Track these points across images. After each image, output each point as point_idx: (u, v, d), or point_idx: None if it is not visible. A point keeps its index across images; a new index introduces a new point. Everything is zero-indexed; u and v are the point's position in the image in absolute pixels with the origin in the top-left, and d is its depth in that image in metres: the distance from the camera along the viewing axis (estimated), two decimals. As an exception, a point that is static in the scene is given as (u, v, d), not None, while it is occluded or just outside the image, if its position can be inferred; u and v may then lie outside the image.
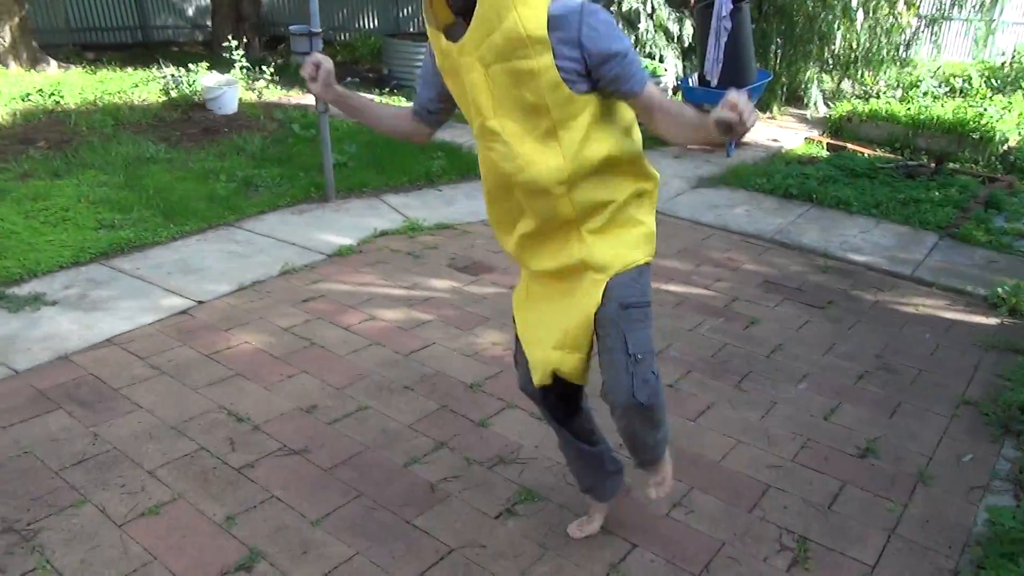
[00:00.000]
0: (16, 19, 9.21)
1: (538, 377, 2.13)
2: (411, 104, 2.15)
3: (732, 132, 1.55)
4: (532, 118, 1.81)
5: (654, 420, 2.12)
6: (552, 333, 2.09)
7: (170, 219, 4.95)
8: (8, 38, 9.16)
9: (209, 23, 12.49)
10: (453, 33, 1.82)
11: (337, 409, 3.10)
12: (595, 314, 1.98)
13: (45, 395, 3.09)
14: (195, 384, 3.23)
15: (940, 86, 9.50)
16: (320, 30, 5.13)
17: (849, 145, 7.82)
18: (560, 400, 2.25)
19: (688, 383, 3.42)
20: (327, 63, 1.96)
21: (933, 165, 6.91)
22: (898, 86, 9.59)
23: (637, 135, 1.99)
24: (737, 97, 1.52)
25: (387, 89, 9.65)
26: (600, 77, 1.78)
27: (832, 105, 9.26)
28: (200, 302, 3.97)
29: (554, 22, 1.72)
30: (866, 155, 7.38)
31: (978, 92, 9.12)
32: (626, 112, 1.94)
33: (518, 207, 2.00)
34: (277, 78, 9.33)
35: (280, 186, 5.72)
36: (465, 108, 1.94)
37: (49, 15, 11.18)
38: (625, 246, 1.99)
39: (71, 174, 5.63)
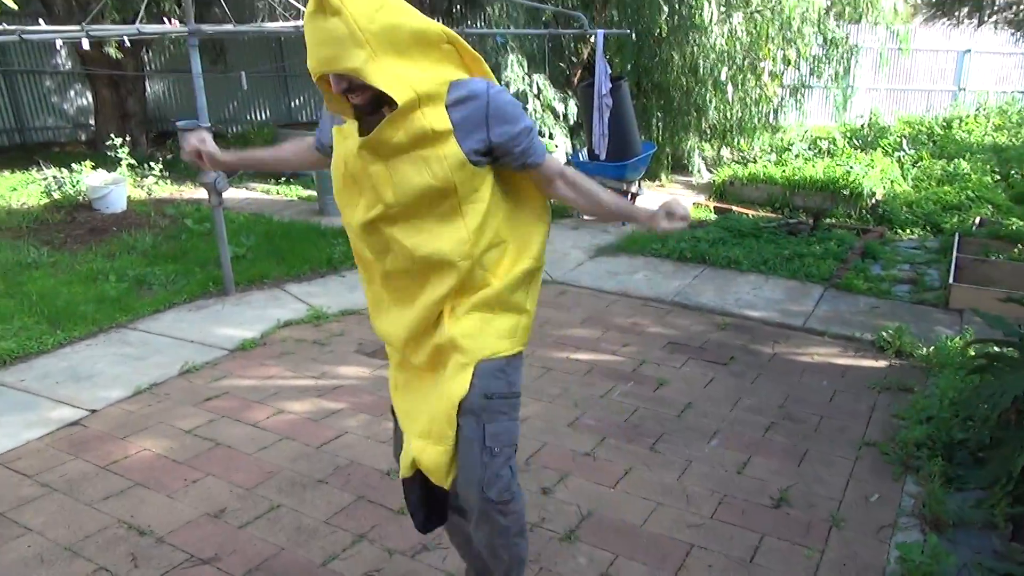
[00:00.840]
0: None
1: (403, 468, 2.03)
2: (311, 138, 2.17)
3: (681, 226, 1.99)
4: (436, 199, 1.83)
5: (508, 533, 2.03)
6: (417, 421, 2.02)
7: (56, 325, 4.70)
8: None
9: (92, 122, 12.17)
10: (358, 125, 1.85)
11: (247, 511, 2.95)
12: (459, 403, 1.91)
13: (-83, 528, 2.82)
14: (90, 499, 3.02)
15: (809, 148, 10.26)
16: (209, 124, 5.09)
17: (734, 208, 8.28)
18: (420, 501, 2.09)
19: (604, 449, 3.44)
20: (204, 141, 2.07)
21: (811, 221, 7.39)
22: (772, 150, 10.30)
23: (543, 211, 2.07)
24: (672, 205, 1.92)
25: (283, 179, 9.60)
26: (504, 155, 1.87)
27: (714, 171, 9.83)
28: (93, 411, 3.75)
29: (457, 106, 1.79)
30: (750, 216, 7.82)
31: (843, 151, 9.90)
32: (522, 181, 2.01)
33: (403, 285, 1.97)
34: (167, 173, 9.15)
35: (175, 283, 5.54)
36: (347, 191, 1.91)
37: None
38: (497, 334, 1.95)
39: (-57, 285, 5.29)
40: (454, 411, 1.91)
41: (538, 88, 9.42)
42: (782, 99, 10.21)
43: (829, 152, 10.14)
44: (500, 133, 1.83)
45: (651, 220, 2.03)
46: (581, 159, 8.02)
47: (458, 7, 11.04)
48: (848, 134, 10.87)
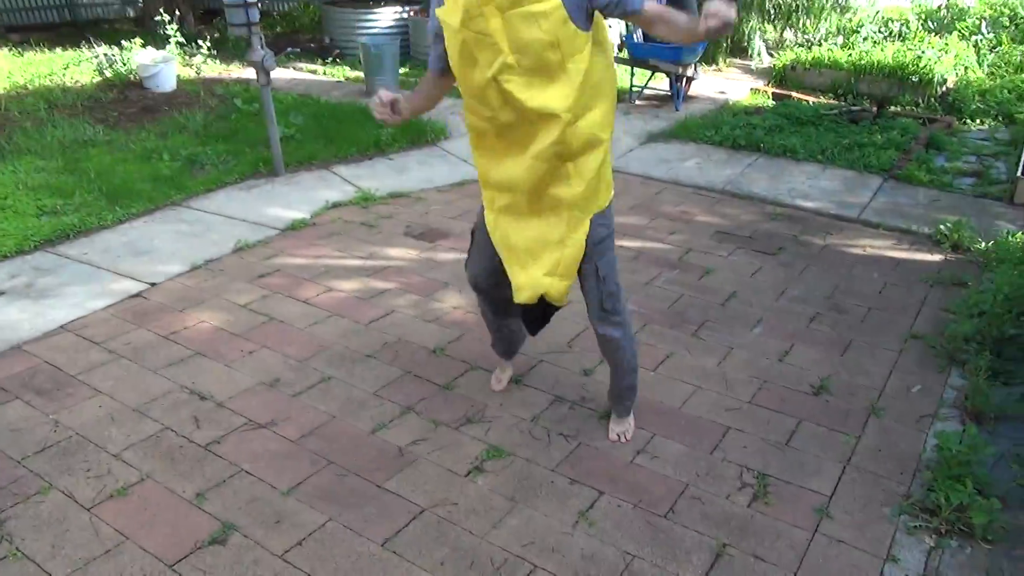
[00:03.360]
0: (-67, 2, 8.78)
1: (524, 296, 2.46)
2: (429, 72, 2.40)
3: (722, 24, 1.92)
4: (545, 54, 2.05)
5: (625, 352, 2.61)
6: (540, 261, 2.42)
7: (114, 202, 4.83)
8: (-74, 22, 8.73)
9: (140, -2, 12.06)
10: None
11: (300, 382, 3.09)
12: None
13: (0, 386, 3.03)
14: (154, 366, 3.19)
15: (880, 31, 9.65)
16: (256, 0, 4.99)
17: (793, 94, 7.92)
18: (534, 316, 2.65)
19: (647, 334, 3.48)
20: (394, 99, 2.30)
21: (875, 109, 7.05)
22: (839, 33, 9.71)
23: (614, 87, 2.29)
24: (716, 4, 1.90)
25: (329, 59, 9.46)
26: (605, 5, 2.06)
27: (775, 55, 9.36)
28: (153, 284, 3.90)
29: None
30: (810, 103, 7.49)
31: (916, 35, 9.29)
32: (609, 53, 2.25)
33: (518, 139, 2.24)
34: (215, 52, 9.08)
35: (226, 163, 5.61)
36: (464, 57, 2.13)
37: (-31, -4, 10.69)
38: (600, 191, 2.35)
39: (6, 161, 5.44)
40: (578, 259, 2.40)
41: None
42: (855, -24, 9.55)
43: (900, 35, 9.52)
44: None
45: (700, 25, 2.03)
46: (635, 40, 7.69)
47: None
48: (923, 16, 10.15)
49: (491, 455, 2.67)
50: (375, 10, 9.68)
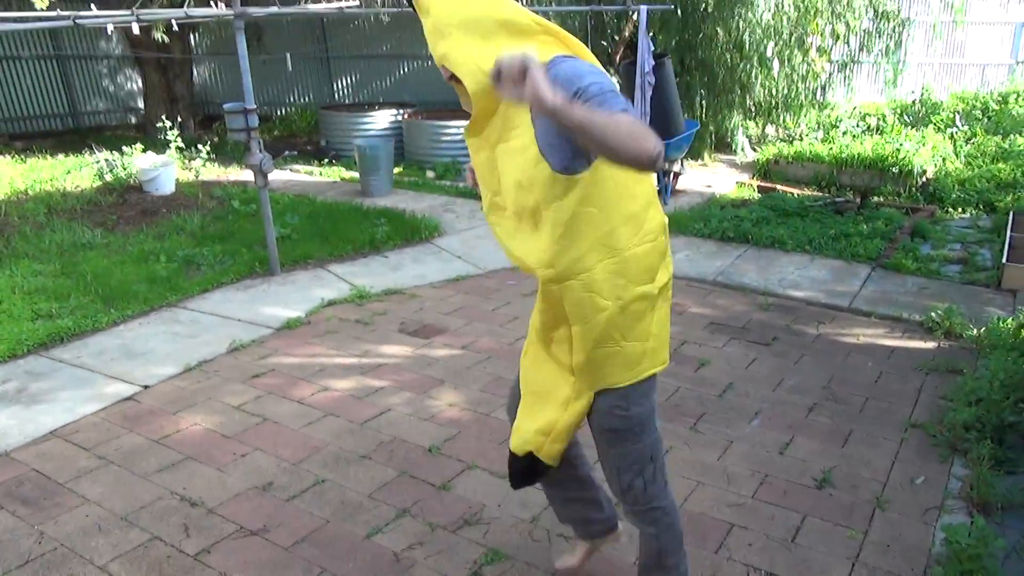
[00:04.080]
0: (-60, 113, 9.05)
1: (514, 443, 2.12)
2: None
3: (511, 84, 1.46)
4: (522, 196, 1.78)
5: (658, 546, 2.12)
6: (539, 414, 2.06)
7: (110, 304, 4.84)
8: (-68, 132, 8.97)
9: (141, 105, 12.45)
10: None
11: (294, 485, 3.03)
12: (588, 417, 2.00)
13: (-16, 496, 2.96)
14: (144, 471, 3.13)
15: (857, 125, 10.00)
16: (255, 107, 5.17)
17: (778, 186, 8.14)
18: (523, 472, 2.17)
19: (645, 429, 3.44)
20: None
21: (858, 200, 7.23)
22: (819, 128, 10.07)
23: (653, 224, 1.85)
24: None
25: (325, 160, 9.71)
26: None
27: (758, 149, 9.66)
28: (146, 387, 3.87)
29: None
30: (795, 195, 7.68)
31: (893, 129, 9.63)
32: (634, 200, 1.80)
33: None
34: (214, 156, 9.31)
35: (223, 263, 5.66)
36: (479, 175, 1.93)
37: (-26, 106, 11.02)
38: (615, 365, 1.88)
39: (3, 266, 5.49)
40: (574, 428, 2.03)
41: (579, 67, 9.33)
42: (830, 75, 9.95)
43: (878, 129, 9.88)
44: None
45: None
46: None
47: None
48: (898, 110, 10.56)
49: (490, 559, 2.60)
50: (370, 113, 10.01)
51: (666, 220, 1.91)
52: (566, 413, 1.99)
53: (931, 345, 4.33)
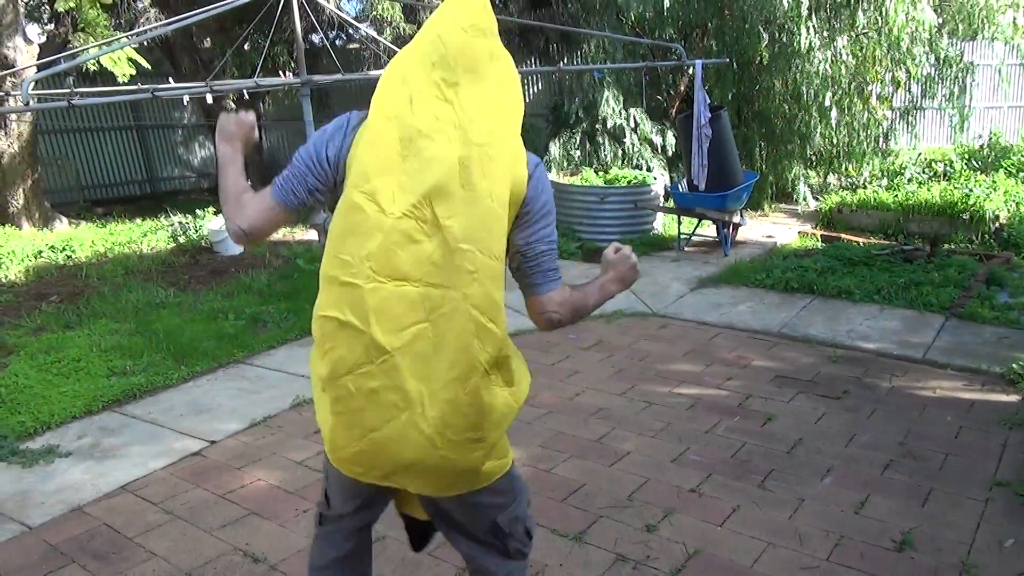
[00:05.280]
0: (29, 181, 9.63)
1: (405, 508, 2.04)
2: None
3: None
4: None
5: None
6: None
7: (180, 361, 4.99)
8: (21, 199, 9.53)
9: (214, 171, 13.03)
10: None
11: (355, 542, 3.02)
12: None
13: (58, 550, 3.03)
14: (210, 527, 3.17)
15: (923, 172, 9.77)
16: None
17: (843, 235, 7.96)
18: (420, 528, 2.12)
19: (710, 486, 3.34)
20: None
21: (928, 248, 7.01)
22: (883, 175, 9.86)
23: None
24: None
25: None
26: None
27: (821, 198, 9.50)
28: (212, 442, 3.95)
29: None
30: (861, 243, 7.49)
31: (961, 174, 9.37)
32: None
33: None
34: (281, 217, 9.62)
35: (288, 320, 5.79)
36: None
37: (60, 175, 11.68)
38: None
39: (83, 325, 5.73)
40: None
41: (635, 122, 9.42)
42: (892, 122, 9.79)
43: (945, 175, 9.62)
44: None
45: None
46: (681, 190, 7.93)
47: (554, 45, 11.22)
48: (966, 156, 10.28)
49: (552, 621, 2.53)
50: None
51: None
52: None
53: (1014, 398, 4.12)
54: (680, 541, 2.95)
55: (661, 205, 8.46)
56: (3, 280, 7.10)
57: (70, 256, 7.93)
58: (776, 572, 2.75)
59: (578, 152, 9.45)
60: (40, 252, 8.06)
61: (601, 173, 8.91)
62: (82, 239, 8.59)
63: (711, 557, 2.82)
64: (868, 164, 9.84)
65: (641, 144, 9.39)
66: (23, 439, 4.01)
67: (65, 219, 9.99)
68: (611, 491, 3.30)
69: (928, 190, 8.53)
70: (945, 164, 9.91)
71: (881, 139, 9.74)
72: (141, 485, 3.53)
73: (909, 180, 9.46)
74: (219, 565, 2.90)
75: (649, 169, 9.28)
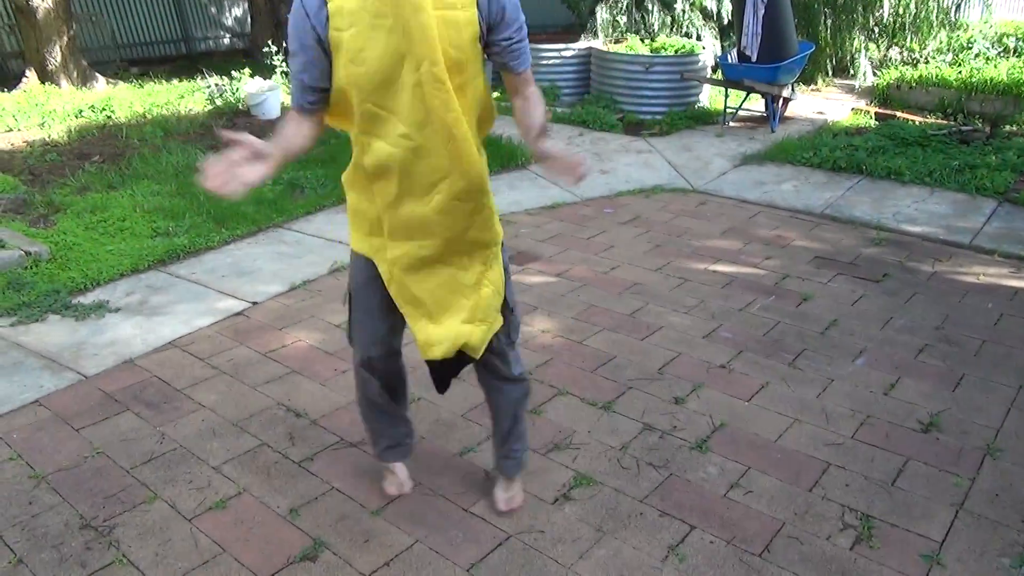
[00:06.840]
0: (65, 39, 9.51)
1: (440, 351, 2.13)
2: (297, 106, 2.03)
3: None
4: (455, 70, 1.82)
5: (526, 392, 2.41)
6: (454, 309, 2.11)
7: (221, 224, 5.07)
8: (59, 57, 9.46)
9: (248, 31, 12.72)
10: None
11: (391, 402, 3.14)
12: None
13: (113, 398, 3.21)
14: (253, 382, 3.31)
15: (993, 47, 9.16)
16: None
17: (898, 113, 7.60)
18: (447, 371, 2.30)
19: (740, 363, 3.38)
20: (247, 151, 1.78)
21: (988, 129, 6.68)
22: (948, 50, 9.27)
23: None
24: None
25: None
26: (499, 41, 1.88)
27: (879, 74, 9.01)
28: (254, 303, 4.06)
29: None
30: (916, 123, 7.16)
31: (1034, 51, 8.78)
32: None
33: (439, 170, 1.92)
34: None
35: (325, 186, 5.80)
36: (379, 64, 1.79)
37: (96, 33, 11.51)
38: (495, 221, 2.11)
39: (126, 185, 5.81)
40: (501, 295, 2.16)
41: (687, -15, 8.89)
42: (965, -10, 9.11)
43: (1016, 51, 9.02)
44: (506, 14, 1.86)
45: (542, 156, 1.96)
46: (729, 60, 7.56)
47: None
48: (1042, 30, 9.60)
49: (579, 483, 2.64)
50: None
51: None
52: (484, 288, 2.11)
53: (1061, 287, 4.03)
54: (707, 414, 3.01)
55: (708, 77, 8.11)
56: (48, 139, 7.17)
57: (110, 116, 7.93)
58: (799, 447, 2.81)
59: (624, 18, 9.00)
60: (80, 111, 8.07)
61: (647, 41, 8.52)
62: (121, 99, 8.56)
63: (736, 430, 2.89)
64: (934, 37, 9.24)
65: (692, 10, 8.90)
66: (75, 294, 4.16)
67: (102, 78, 9.93)
68: (641, 364, 3.36)
69: (995, 67, 8.03)
70: (1018, 39, 9.26)
71: (952, 9, 9.09)
72: (188, 341, 3.68)
73: (976, 56, 8.90)
74: (263, 418, 3.05)
75: (699, 38, 8.83)
